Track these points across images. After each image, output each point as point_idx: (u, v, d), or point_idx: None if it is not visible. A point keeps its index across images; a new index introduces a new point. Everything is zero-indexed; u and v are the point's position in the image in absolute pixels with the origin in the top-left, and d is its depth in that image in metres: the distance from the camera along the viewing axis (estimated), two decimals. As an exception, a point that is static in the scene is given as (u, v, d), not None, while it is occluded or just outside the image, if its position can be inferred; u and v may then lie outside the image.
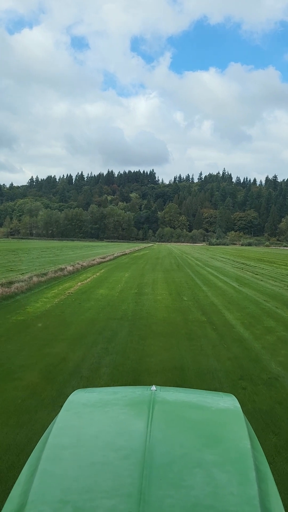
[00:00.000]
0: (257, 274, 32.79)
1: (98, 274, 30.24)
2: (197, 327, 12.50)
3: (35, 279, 22.54)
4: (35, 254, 57.70)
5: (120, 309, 15.39)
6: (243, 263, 49.57)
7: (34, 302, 16.53)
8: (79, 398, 2.82)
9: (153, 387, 2.78)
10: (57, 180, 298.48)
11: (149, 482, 1.74)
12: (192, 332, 11.79)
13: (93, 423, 2.46)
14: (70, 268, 31.92)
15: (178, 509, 1.63)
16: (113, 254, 58.77)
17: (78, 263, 36.80)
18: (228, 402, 2.79)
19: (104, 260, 46.50)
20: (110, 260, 49.10)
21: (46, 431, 2.34)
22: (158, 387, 2.83)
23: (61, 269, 30.47)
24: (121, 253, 65.92)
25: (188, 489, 1.75)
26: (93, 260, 43.33)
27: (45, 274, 26.39)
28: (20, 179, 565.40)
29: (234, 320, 13.88)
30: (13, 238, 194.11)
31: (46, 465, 1.93)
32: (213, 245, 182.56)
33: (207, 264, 45.24)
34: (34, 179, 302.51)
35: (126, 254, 68.20)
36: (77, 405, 2.70)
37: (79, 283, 23.74)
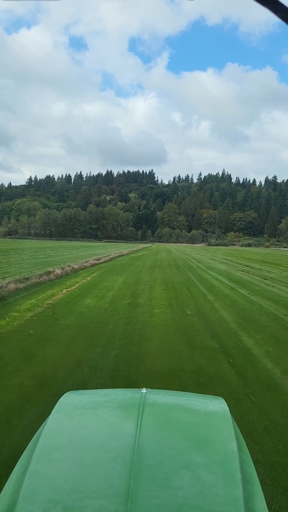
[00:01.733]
0: (265, 279, 29.52)
1: (89, 278, 26.97)
2: (208, 361, 9.17)
3: (12, 285, 19.24)
4: (28, 254, 54.59)
5: (107, 329, 12.12)
6: (247, 266, 46.35)
7: None
8: (70, 400, 2.81)
9: (144, 390, 2.74)
10: (55, 180, 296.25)
11: (137, 483, 1.75)
12: (202, 371, 8.43)
13: (84, 424, 2.46)
14: (58, 271, 28.65)
15: (165, 509, 1.66)
16: (109, 255, 55.49)
17: (69, 265, 33.56)
18: (217, 405, 2.76)
19: (98, 261, 43.22)
20: (105, 261, 45.84)
21: (37, 432, 2.34)
22: (149, 389, 2.78)
23: (48, 273, 27.22)
24: (118, 254, 62.64)
25: (175, 489, 1.77)
26: (87, 262, 40.03)
27: (27, 279, 23.10)
28: (19, 178, 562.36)
29: (256, 347, 10.59)
30: (10, 238, 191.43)
31: (36, 466, 1.93)
32: (213, 245, 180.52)
33: (209, 267, 42.00)
34: (33, 179, 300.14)
35: (123, 255, 64.93)
36: (68, 407, 2.68)
37: (65, 290, 20.47)
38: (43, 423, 2.42)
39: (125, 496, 1.68)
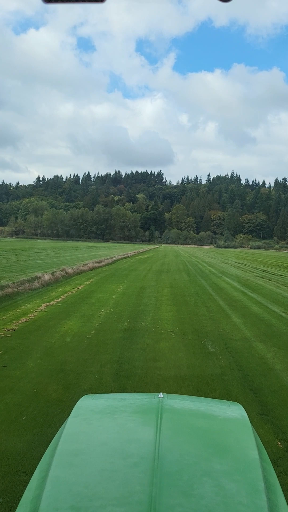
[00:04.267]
0: (295, 289, 24.51)
1: (81, 287, 22.16)
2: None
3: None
4: (25, 255, 50.06)
5: (78, 391, 7.20)
6: (264, 271, 41.31)
7: None
8: (87, 404, 2.75)
9: (161, 395, 2.71)
10: (63, 180, 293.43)
11: (159, 490, 1.71)
12: None
13: (102, 429, 2.41)
14: (47, 277, 23.92)
15: None
16: (112, 258, 50.71)
17: (63, 269, 28.84)
18: (236, 411, 2.70)
19: (99, 264, 38.43)
20: (107, 264, 41.06)
21: (55, 437, 2.30)
22: (165, 394, 2.75)
23: (34, 279, 22.50)
24: (122, 256, 57.79)
25: (198, 498, 1.73)
26: (85, 265, 35.25)
27: (1, 288, 18.39)
28: (27, 178, 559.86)
29: None
30: (17, 237, 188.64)
31: (57, 472, 1.90)
32: (221, 247, 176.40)
33: (223, 272, 37.04)
34: (41, 179, 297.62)
35: (128, 257, 60.12)
36: (85, 411, 2.63)
37: (44, 305, 15.70)
38: (61, 428, 2.37)
39: (147, 503, 1.64)
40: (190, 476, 1.87)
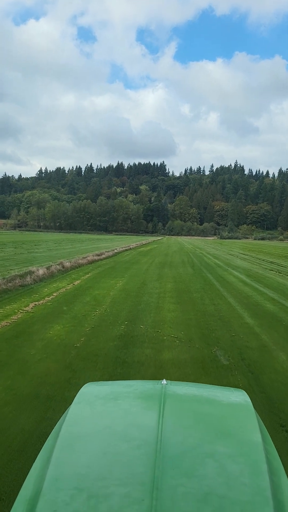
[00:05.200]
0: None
1: (77, 282, 20.37)
2: None
3: None
4: (24, 248, 48.51)
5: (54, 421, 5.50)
6: (272, 262, 39.43)
7: None
8: (90, 391, 2.75)
9: (164, 381, 2.67)
10: (66, 172, 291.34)
11: (161, 472, 1.72)
12: None
13: (105, 414, 2.41)
14: (41, 271, 22.17)
15: (190, 497, 1.62)
16: (113, 250, 48.86)
17: (60, 263, 27.07)
18: (239, 397, 2.71)
19: (99, 258, 36.60)
20: (107, 257, 39.23)
21: (59, 422, 2.28)
22: (169, 381, 2.70)
23: (26, 275, 20.76)
24: (124, 248, 55.94)
25: (200, 478, 1.73)
26: (84, 258, 33.47)
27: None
28: (29, 171, 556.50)
29: None
30: (20, 230, 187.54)
31: (60, 454, 1.91)
32: (225, 238, 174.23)
33: (229, 264, 35.17)
34: (43, 171, 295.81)
35: (130, 249, 58.24)
36: (89, 397, 2.63)
37: (32, 305, 13.93)
38: (65, 413, 2.35)
39: (150, 484, 1.64)
40: (192, 458, 1.88)
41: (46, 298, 15.33)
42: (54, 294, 16.32)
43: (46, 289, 17.64)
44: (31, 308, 13.45)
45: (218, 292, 18.29)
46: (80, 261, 30.99)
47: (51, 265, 25.28)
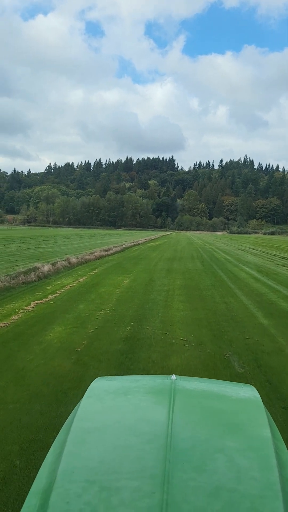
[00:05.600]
0: None
1: (83, 279, 19.69)
2: None
3: None
4: (31, 244, 48.00)
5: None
6: (283, 257, 38.43)
7: None
8: (100, 385, 2.76)
9: (173, 376, 2.66)
10: (75, 167, 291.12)
11: (172, 465, 1.73)
12: None
13: (116, 409, 2.41)
14: (46, 268, 21.59)
15: (201, 491, 1.62)
16: (122, 245, 48.18)
17: (67, 259, 26.49)
18: (248, 392, 2.71)
19: (106, 253, 35.91)
20: (115, 252, 38.55)
21: (70, 416, 2.31)
22: (178, 376, 2.70)
23: (30, 271, 20.16)
24: (132, 243, 55.14)
25: (210, 473, 1.74)
26: (92, 253, 32.84)
27: None
28: (38, 166, 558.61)
29: None
30: (29, 225, 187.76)
31: (72, 447, 1.93)
32: (234, 233, 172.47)
33: (239, 260, 34.31)
34: (52, 166, 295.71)
35: (138, 244, 57.47)
36: (99, 392, 2.64)
37: (33, 304, 13.26)
38: (76, 407, 2.38)
39: (161, 477, 1.65)
40: (202, 452, 1.88)
41: (49, 296, 14.65)
42: (58, 292, 15.64)
43: (50, 287, 16.97)
44: (32, 307, 12.78)
45: (229, 289, 17.49)
46: (87, 256, 30.33)
47: (57, 261, 24.64)
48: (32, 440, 4.99)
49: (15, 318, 11.28)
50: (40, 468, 1.87)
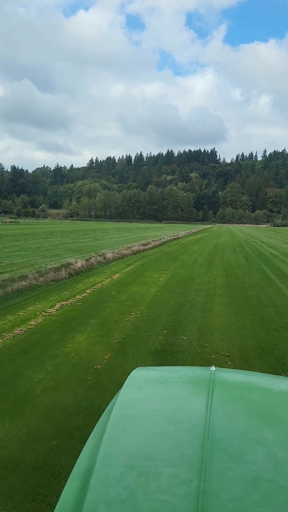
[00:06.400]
0: None
1: (117, 276, 18.34)
2: None
3: None
4: (70, 238, 47.55)
5: None
6: None
7: None
8: (140, 375, 2.70)
9: (213, 368, 2.60)
10: (116, 161, 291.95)
11: (210, 454, 1.70)
12: None
13: (155, 398, 2.37)
14: (79, 264, 20.45)
15: (238, 481, 1.59)
16: (161, 239, 46.69)
17: (102, 254, 25.32)
18: None
19: (144, 247, 34.53)
20: (154, 247, 37.10)
21: (110, 403, 2.28)
22: (218, 368, 2.64)
23: (62, 267, 19.06)
24: (172, 237, 53.48)
25: (249, 463, 1.69)
26: (129, 248, 31.57)
27: (13, 280, 14.98)
28: (80, 161, 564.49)
29: None
30: (72, 219, 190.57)
31: (111, 433, 1.91)
32: (278, 226, 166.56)
33: (286, 255, 32.00)
34: (94, 161, 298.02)
35: (178, 238, 55.74)
36: (138, 381, 2.59)
37: (58, 305, 12.00)
38: (116, 395, 2.35)
39: (198, 466, 1.63)
40: (241, 443, 1.82)
41: (77, 297, 13.37)
42: (87, 292, 14.34)
43: (80, 285, 15.72)
44: (56, 309, 11.51)
45: (277, 288, 15.63)
46: (124, 251, 29.03)
47: (92, 257, 23.48)
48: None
49: (34, 323, 10.02)
50: (81, 452, 1.86)
